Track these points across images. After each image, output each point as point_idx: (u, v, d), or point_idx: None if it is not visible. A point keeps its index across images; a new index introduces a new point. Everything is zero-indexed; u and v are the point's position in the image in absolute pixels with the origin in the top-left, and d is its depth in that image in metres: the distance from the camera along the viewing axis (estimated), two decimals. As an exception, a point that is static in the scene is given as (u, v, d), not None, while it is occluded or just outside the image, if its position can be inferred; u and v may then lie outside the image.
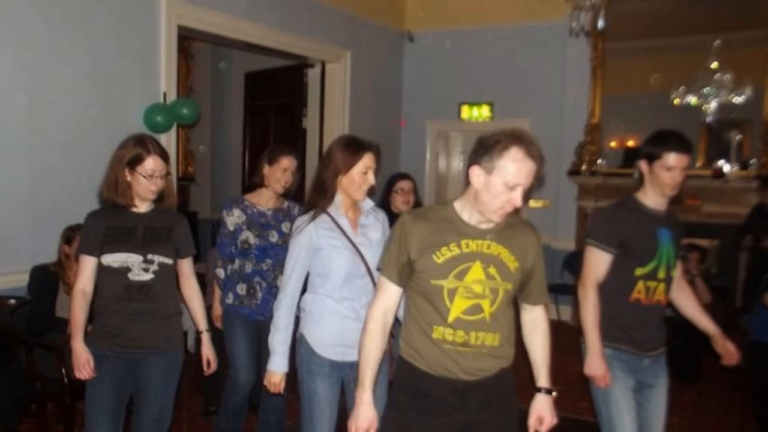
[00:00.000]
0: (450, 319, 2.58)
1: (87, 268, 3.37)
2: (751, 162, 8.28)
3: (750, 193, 7.98)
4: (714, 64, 8.39)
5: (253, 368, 4.18)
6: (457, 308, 2.57)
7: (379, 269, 2.80)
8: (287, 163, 4.23)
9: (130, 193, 3.35)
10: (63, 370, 4.23)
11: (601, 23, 6.28)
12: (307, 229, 3.21)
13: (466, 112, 9.63)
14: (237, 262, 4.22)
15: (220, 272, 4.26)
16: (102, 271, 3.36)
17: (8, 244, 5.01)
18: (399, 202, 4.96)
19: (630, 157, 8.91)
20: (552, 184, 8.68)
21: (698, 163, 8.51)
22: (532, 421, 2.80)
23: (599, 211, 4.10)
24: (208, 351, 3.69)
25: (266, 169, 4.24)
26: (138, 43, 5.93)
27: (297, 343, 3.30)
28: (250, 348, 4.21)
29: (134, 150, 3.32)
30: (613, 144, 9.48)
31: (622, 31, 8.32)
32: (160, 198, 3.45)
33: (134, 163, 3.31)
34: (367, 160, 3.21)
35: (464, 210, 2.64)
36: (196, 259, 3.79)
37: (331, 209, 3.25)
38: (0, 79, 4.94)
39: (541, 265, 2.76)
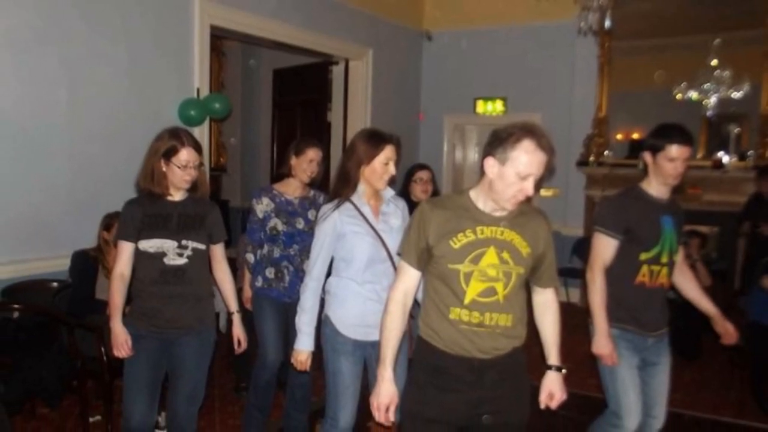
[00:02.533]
0: (466, 300, 2.56)
1: (125, 253, 3.37)
2: (748, 153, 8.24)
3: (748, 183, 7.95)
4: (714, 62, 8.37)
5: (280, 347, 4.16)
6: (472, 291, 2.55)
7: (399, 254, 2.78)
8: (313, 154, 4.21)
9: (166, 182, 3.35)
10: (102, 349, 4.25)
11: (607, 23, 6.24)
12: (331, 216, 3.21)
13: (480, 106, 9.58)
14: (266, 248, 4.20)
15: (250, 257, 4.25)
16: (139, 255, 3.36)
17: (51, 231, 5.03)
18: (418, 191, 4.95)
19: (635, 148, 8.87)
20: (562, 174, 8.64)
21: (699, 155, 8.47)
22: (543, 397, 2.79)
23: (606, 199, 4.06)
24: (238, 331, 3.70)
25: (293, 160, 4.22)
26: (173, 42, 5.94)
27: (322, 323, 3.30)
28: (278, 328, 4.19)
29: (169, 142, 3.31)
30: (619, 137, 9.42)
31: (627, 30, 8.27)
32: (193, 187, 3.44)
33: (169, 154, 3.30)
34: (388, 152, 3.20)
35: (479, 198, 2.62)
36: (228, 245, 3.79)
37: (354, 198, 3.24)
38: (43, 76, 4.95)
39: (551, 250, 2.74)
